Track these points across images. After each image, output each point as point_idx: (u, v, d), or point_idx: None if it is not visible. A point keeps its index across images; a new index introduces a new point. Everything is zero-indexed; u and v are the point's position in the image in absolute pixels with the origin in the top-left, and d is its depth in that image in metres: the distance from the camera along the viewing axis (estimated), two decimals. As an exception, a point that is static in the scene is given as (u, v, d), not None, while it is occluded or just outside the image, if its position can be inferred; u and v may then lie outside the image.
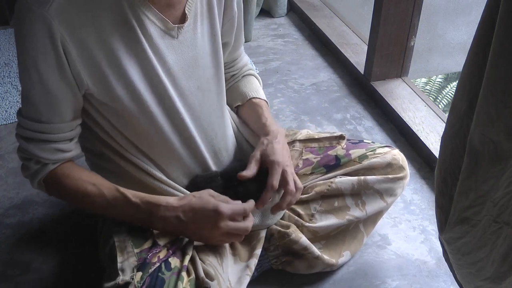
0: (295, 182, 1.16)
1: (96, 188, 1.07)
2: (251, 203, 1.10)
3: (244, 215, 1.08)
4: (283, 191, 1.16)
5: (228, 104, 1.30)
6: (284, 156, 1.16)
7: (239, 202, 1.09)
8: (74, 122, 1.07)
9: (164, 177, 1.14)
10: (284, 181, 1.14)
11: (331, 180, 1.25)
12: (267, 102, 1.32)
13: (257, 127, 1.26)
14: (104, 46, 0.99)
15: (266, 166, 1.15)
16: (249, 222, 1.09)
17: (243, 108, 1.31)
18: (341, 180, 1.24)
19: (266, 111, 1.27)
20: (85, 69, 0.99)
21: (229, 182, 1.16)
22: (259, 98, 1.30)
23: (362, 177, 1.24)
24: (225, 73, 1.30)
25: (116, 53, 1.00)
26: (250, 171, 1.14)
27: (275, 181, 1.12)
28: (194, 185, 1.17)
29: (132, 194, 1.06)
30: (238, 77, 1.34)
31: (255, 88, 1.32)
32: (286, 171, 1.15)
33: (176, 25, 1.06)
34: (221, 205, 1.05)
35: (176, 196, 1.11)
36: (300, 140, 1.34)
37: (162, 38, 1.05)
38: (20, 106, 1.07)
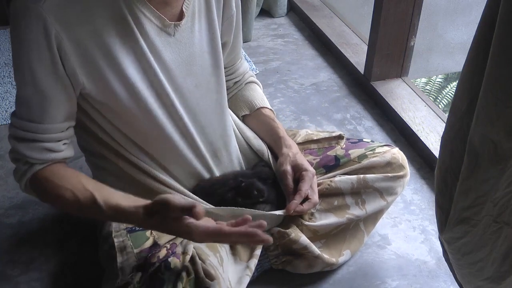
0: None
1: (72, 194, 1.00)
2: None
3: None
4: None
5: (233, 111, 1.31)
6: (311, 167, 1.23)
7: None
8: (66, 123, 1.05)
9: (165, 178, 1.14)
10: (312, 191, 1.19)
11: (331, 179, 1.25)
12: (273, 111, 1.35)
13: (273, 139, 1.29)
14: (100, 43, 0.98)
15: (297, 176, 1.20)
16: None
17: (251, 118, 1.32)
18: (341, 179, 1.24)
19: (279, 123, 1.31)
20: (80, 66, 0.99)
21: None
22: (267, 108, 1.33)
23: (362, 176, 1.24)
24: (227, 80, 1.30)
25: (112, 50, 1.00)
26: (293, 191, 1.19)
27: (308, 189, 1.17)
28: (206, 189, 1.18)
29: (108, 206, 0.97)
30: (241, 84, 1.34)
31: (260, 97, 1.35)
32: (315, 183, 1.20)
33: (173, 23, 1.06)
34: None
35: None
36: (299, 143, 1.35)
37: (158, 36, 1.05)
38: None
